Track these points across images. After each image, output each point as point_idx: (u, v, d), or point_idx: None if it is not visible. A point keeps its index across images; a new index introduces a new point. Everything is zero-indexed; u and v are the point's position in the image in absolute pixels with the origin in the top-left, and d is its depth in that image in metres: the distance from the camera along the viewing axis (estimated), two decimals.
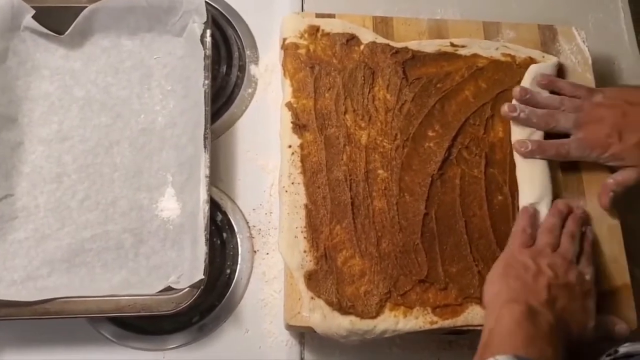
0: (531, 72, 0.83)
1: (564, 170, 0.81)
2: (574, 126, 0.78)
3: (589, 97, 0.80)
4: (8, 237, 0.76)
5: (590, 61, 0.87)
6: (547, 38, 0.88)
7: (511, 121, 0.81)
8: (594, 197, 0.79)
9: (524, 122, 0.80)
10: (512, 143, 0.80)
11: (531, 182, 0.78)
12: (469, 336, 0.76)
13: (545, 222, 0.75)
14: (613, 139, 0.77)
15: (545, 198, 0.77)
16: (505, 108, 0.80)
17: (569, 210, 0.76)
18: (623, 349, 0.65)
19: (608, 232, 0.78)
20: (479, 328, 0.71)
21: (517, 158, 0.79)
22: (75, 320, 0.76)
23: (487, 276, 0.71)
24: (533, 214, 0.75)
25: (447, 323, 0.72)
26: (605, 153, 0.77)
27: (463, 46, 0.86)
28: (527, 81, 0.83)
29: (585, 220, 0.76)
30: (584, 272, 0.71)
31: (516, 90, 0.81)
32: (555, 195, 0.78)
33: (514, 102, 0.81)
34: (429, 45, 0.85)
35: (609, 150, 0.77)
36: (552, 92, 0.82)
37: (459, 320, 0.72)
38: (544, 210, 0.76)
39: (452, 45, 0.85)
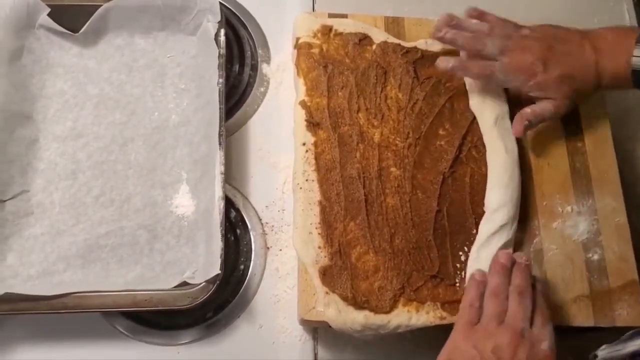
0: None
1: (573, 170, 0.82)
2: (500, 52, 0.78)
3: (516, 30, 0.80)
4: (24, 232, 0.77)
5: None
6: None
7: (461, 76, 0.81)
8: (603, 197, 0.80)
9: (450, 42, 0.80)
10: (436, 62, 0.80)
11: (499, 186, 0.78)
12: None
13: (489, 285, 0.69)
14: (538, 68, 0.76)
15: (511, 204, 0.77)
16: (433, 31, 0.80)
17: (513, 262, 0.71)
18: (601, 353, 0.65)
19: (616, 230, 0.79)
20: None
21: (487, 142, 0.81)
22: (90, 315, 0.77)
23: None
24: (482, 281, 0.70)
25: (456, 319, 0.72)
26: (530, 81, 0.77)
27: None
28: None
29: (531, 271, 0.71)
30: (540, 339, 0.65)
31: (442, 14, 0.80)
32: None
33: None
34: (435, 44, 0.87)
35: (533, 78, 0.77)
36: None
37: None
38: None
39: None
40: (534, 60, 0.77)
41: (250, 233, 0.82)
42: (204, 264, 0.75)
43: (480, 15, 0.82)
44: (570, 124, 0.84)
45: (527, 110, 0.79)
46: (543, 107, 0.79)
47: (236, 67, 0.90)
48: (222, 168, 0.76)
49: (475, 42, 0.79)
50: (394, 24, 0.88)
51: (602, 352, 0.66)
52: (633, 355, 0.63)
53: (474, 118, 0.83)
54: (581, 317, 0.75)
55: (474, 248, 0.76)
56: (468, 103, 0.83)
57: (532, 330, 0.66)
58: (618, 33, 0.78)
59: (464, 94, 0.84)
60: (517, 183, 0.78)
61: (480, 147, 0.82)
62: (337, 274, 0.73)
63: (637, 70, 0.74)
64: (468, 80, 0.83)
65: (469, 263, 0.75)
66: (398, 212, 0.77)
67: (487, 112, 0.82)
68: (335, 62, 0.83)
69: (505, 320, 0.66)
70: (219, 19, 0.84)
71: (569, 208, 0.80)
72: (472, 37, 0.79)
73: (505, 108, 0.82)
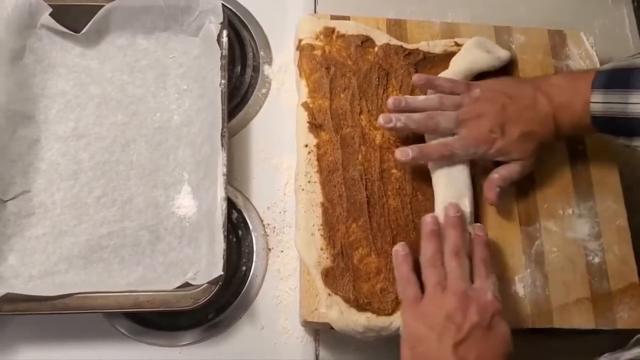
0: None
1: (574, 172, 0.82)
2: (456, 125, 0.76)
3: (467, 92, 0.78)
4: (26, 233, 0.77)
5: (598, 66, 0.88)
6: (557, 43, 0.89)
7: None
8: (604, 200, 0.81)
9: (403, 130, 0.77)
10: (395, 154, 0.76)
11: (448, 182, 0.76)
12: None
13: (423, 254, 0.70)
14: (496, 134, 0.75)
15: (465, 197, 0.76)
16: (380, 120, 0.76)
17: (440, 220, 0.72)
18: (604, 358, 0.65)
19: (617, 233, 0.79)
20: None
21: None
22: (91, 316, 0.76)
23: (401, 358, 0.67)
24: (405, 255, 0.71)
25: None
26: (491, 149, 0.75)
27: None
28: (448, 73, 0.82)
29: (464, 222, 0.72)
30: (483, 291, 0.67)
31: (389, 101, 0.77)
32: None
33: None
34: (437, 46, 0.87)
35: (494, 146, 0.75)
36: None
37: None
38: (466, 206, 0.75)
39: (457, 44, 0.87)
40: (491, 127, 0.75)
41: (252, 234, 0.82)
42: (206, 265, 0.75)
43: (427, 82, 0.79)
44: None
45: (495, 175, 0.77)
46: (510, 169, 0.77)
47: (238, 69, 0.90)
48: (225, 169, 0.76)
49: (428, 122, 0.76)
50: (396, 26, 0.88)
51: (604, 359, 0.66)
52: None
53: None
54: (582, 319, 0.75)
55: None
56: None
57: (474, 287, 0.67)
58: (572, 79, 0.76)
59: None
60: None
61: None
62: (339, 275, 0.73)
63: (597, 116, 0.73)
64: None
65: None
66: (400, 214, 0.77)
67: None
68: (337, 64, 0.83)
69: (447, 285, 0.67)
70: (221, 20, 0.84)
71: (570, 210, 0.80)
72: (423, 117, 0.76)
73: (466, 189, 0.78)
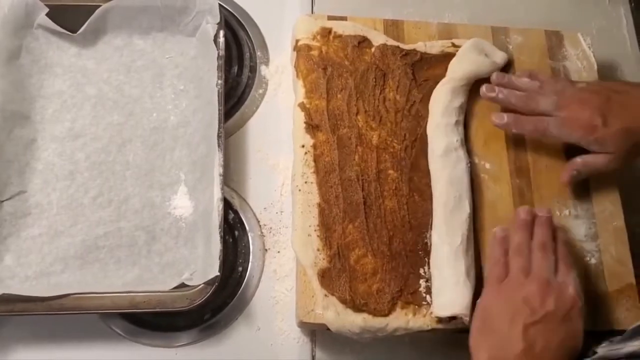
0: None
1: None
2: (556, 107, 0.76)
3: (572, 84, 0.79)
4: (22, 233, 0.77)
5: (595, 67, 0.88)
6: (554, 43, 0.89)
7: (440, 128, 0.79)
8: (601, 201, 0.81)
9: (503, 102, 0.80)
10: (491, 117, 0.79)
11: (448, 183, 0.77)
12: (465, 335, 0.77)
13: (512, 242, 0.72)
14: (597, 122, 0.74)
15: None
16: (483, 89, 0.79)
17: (534, 216, 0.73)
18: (601, 350, 0.65)
19: (614, 234, 0.79)
20: None
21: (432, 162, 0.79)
22: (87, 316, 0.76)
23: (471, 329, 0.69)
24: (504, 237, 0.73)
25: (452, 323, 0.73)
26: (590, 136, 0.75)
27: None
28: None
29: (552, 222, 0.73)
30: (565, 284, 0.68)
31: (494, 75, 0.81)
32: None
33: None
34: (434, 47, 0.87)
35: (593, 133, 0.75)
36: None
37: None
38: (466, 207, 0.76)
39: (454, 45, 0.87)
40: (592, 114, 0.75)
41: (249, 235, 0.82)
42: (202, 265, 0.75)
43: (531, 75, 0.82)
44: None
45: (578, 160, 0.77)
46: (597, 159, 0.76)
47: (235, 69, 0.90)
48: (221, 170, 0.76)
49: (528, 101, 0.78)
50: (393, 27, 0.88)
51: (602, 349, 0.66)
52: (630, 356, 0.63)
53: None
54: None
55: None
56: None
57: (557, 279, 0.68)
58: None
59: None
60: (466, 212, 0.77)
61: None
62: (335, 276, 0.73)
63: None
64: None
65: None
66: (396, 215, 0.77)
67: (437, 140, 0.80)
68: (334, 65, 0.83)
69: (531, 273, 0.69)
70: (218, 20, 0.84)
71: (566, 211, 0.80)
72: (524, 95, 0.79)
73: (456, 137, 0.80)
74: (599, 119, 0.74)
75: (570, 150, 0.80)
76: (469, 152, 0.82)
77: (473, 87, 0.84)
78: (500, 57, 0.86)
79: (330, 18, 0.87)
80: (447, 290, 0.72)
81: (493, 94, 0.79)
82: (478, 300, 0.71)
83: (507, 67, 0.87)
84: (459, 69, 0.83)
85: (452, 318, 0.71)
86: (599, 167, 0.77)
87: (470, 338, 0.68)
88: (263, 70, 0.91)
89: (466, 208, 0.76)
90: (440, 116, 0.80)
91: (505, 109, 0.81)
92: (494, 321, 0.67)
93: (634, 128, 0.75)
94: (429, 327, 0.73)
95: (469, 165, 0.79)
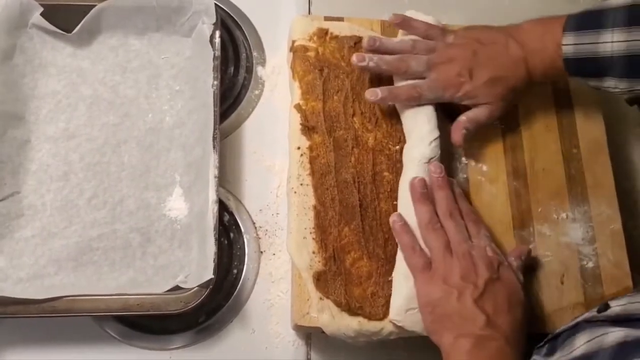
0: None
1: (568, 177, 0.81)
2: (427, 68, 0.77)
3: (441, 38, 0.80)
4: (15, 234, 0.76)
5: None
6: None
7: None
8: (598, 204, 0.80)
9: (374, 70, 0.79)
10: (365, 94, 0.78)
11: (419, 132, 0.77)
12: None
13: (419, 221, 0.72)
14: (464, 78, 0.76)
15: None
16: (353, 58, 0.78)
17: (428, 183, 0.74)
18: (617, 307, 0.61)
19: (611, 237, 0.79)
20: None
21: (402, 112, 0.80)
22: (81, 319, 0.76)
23: (425, 325, 0.69)
24: (404, 224, 0.73)
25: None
26: (458, 92, 0.77)
27: None
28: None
29: (447, 180, 0.74)
30: (482, 247, 0.70)
31: (365, 40, 0.80)
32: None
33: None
34: None
35: (461, 89, 0.77)
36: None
37: None
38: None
39: None
40: (459, 70, 0.76)
41: (244, 237, 0.81)
42: (197, 268, 0.74)
43: (403, 22, 0.81)
44: (565, 130, 0.84)
45: (463, 118, 0.78)
46: (478, 112, 0.78)
47: (231, 69, 0.90)
48: (216, 171, 0.75)
49: (399, 64, 0.78)
50: (390, 28, 0.87)
51: (618, 304, 0.61)
52: None
53: None
54: None
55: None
56: None
57: (474, 245, 0.71)
58: (543, 24, 0.77)
59: None
60: None
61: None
62: (331, 279, 0.72)
63: (569, 58, 0.74)
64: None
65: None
66: None
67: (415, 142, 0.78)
68: (330, 66, 0.83)
69: (452, 250, 0.70)
70: (214, 20, 0.83)
71: (564, 215, 0.80)
72: (395, 59, 0.78)
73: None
74: (466, 73, 0.76)
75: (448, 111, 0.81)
76: (466, 154, 0.82)
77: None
78: None
79: (326, 19, 0.86)
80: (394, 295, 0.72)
81: (364, 63, 0.78)
82: (417, 298, 0.70)
83: None
84: None
85: None
86: (482, 119, 0.78)
87: (428, 333, 0.69)
88: (259, 71, 0.91)
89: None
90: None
91: (381, 77, 0.82)
92: (443, 307, 0.67)
93: (500, 76, 0.77)
94: (422, 332, 0.72)
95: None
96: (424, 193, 0.73)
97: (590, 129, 0.84)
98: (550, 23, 0.76)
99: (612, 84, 0.74)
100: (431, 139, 0.76)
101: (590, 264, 0.77)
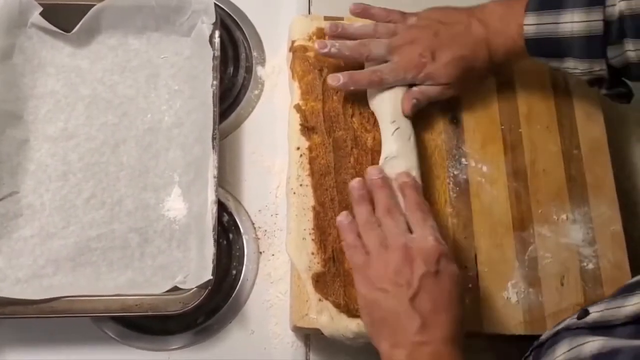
0: None
1: (568, 177, 0.81)
2: (388, 52, 0.77)
3: (403, 21, 0.79)
4: (13, 234, 0.76)
5: None
6: None
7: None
8: (598, 205, 0.80)
9: (337, 56, 0.79)
10: (327, 80, 0.78)
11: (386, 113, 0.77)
12: (469, 340, 0.77)
13: (358, 220, 0.70)
14: (426, 59, 0.76)
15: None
16: (315, 45, 0.78)
17: (367, 182, 0.72)
18: (595, 314, 0.58)
19: (611, 238, 0.78)
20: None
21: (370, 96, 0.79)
22: (79, 319, 0.76)
23: (365, 325, 0.68)
24: (351, 221, 0.71)
25: None
26: (420, 73, 0.77)
27: None
28: None
29: (387, 180, 0.72)
30: (423, 237, 0.66)
31: (327, 26, 0.80)
32: None
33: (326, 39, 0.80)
34: None
35: (423, 70, 0.76)
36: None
37: None
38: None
39: None
40: (421, 51, 0.76)
41: (243, 237, 0.81)
42: (195, 268, 0.74)
43: (363, 11, 0.81)
44: (566, 130, 0.84)
45: (415, 89, 0.78)
46: (433, 88, 0.78)
47: (230, 69, 0.89)
48: (216, 171, 0.75)
49: (360, 49, 0.77)
50: None
51: (596, 310, 0.58)
52: (637, 319, 0.55)
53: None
54: None
55: None
56: None
57: (414, 237, 0.67)
58: (507, 4, 0.77)
59: None
60: None
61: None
62: (330, 280, 0.72)
63: (530, 38, 0.74)
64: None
65: None
66: None
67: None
68: (330, 66, 0.82)
69: (387, 244, 0.67)
70: (213, 20, 0.83)
71: (564, 216, 0.79)
72: (356, 44, 0.78)
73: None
74: (428, 54, 0.76)
75: None
76: (466, 155, 0.81)
77: (470, 92, 0.83)
78: None
79: (326, 18, 0.86)
80: None
81: (326, 50, 0.77)
82: (357, 297, 0.68)
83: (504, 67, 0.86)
84: None
85: None
86: (435, 95, 0.78)
87: (369, 337, 0.67)
88: (259, 70, 0.90)
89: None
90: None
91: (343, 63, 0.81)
92: (379, 310, 0.65)
93: (461, 57, 0.77)
94: None
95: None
96: (361, 194, 0.71)
97: (590, 129, 0.84)
98: (514, 3, 0.76)
99: (572, 65, 0.74)
100: (392, 130, 0.76)
101: (591, 266, 0.77)
